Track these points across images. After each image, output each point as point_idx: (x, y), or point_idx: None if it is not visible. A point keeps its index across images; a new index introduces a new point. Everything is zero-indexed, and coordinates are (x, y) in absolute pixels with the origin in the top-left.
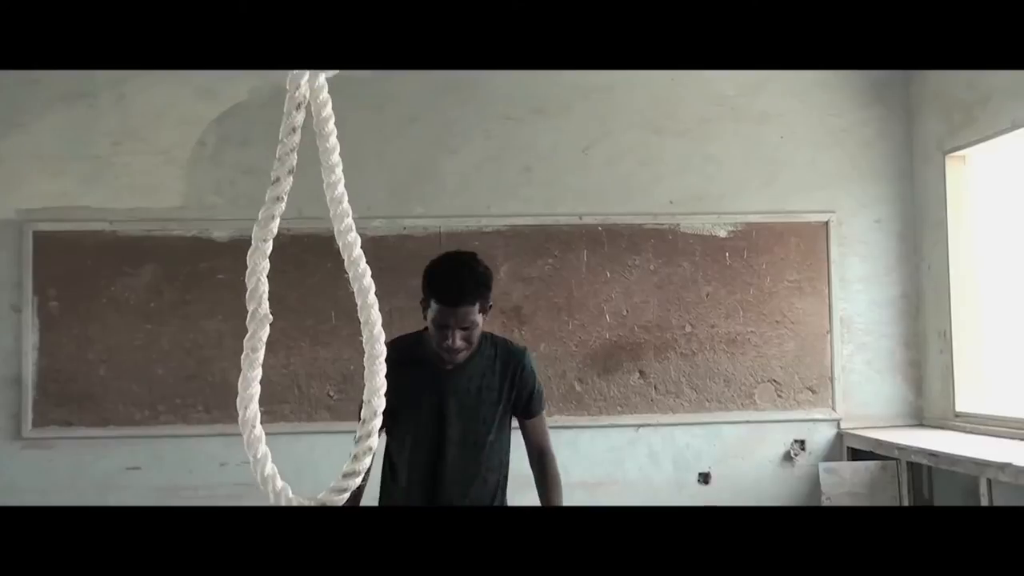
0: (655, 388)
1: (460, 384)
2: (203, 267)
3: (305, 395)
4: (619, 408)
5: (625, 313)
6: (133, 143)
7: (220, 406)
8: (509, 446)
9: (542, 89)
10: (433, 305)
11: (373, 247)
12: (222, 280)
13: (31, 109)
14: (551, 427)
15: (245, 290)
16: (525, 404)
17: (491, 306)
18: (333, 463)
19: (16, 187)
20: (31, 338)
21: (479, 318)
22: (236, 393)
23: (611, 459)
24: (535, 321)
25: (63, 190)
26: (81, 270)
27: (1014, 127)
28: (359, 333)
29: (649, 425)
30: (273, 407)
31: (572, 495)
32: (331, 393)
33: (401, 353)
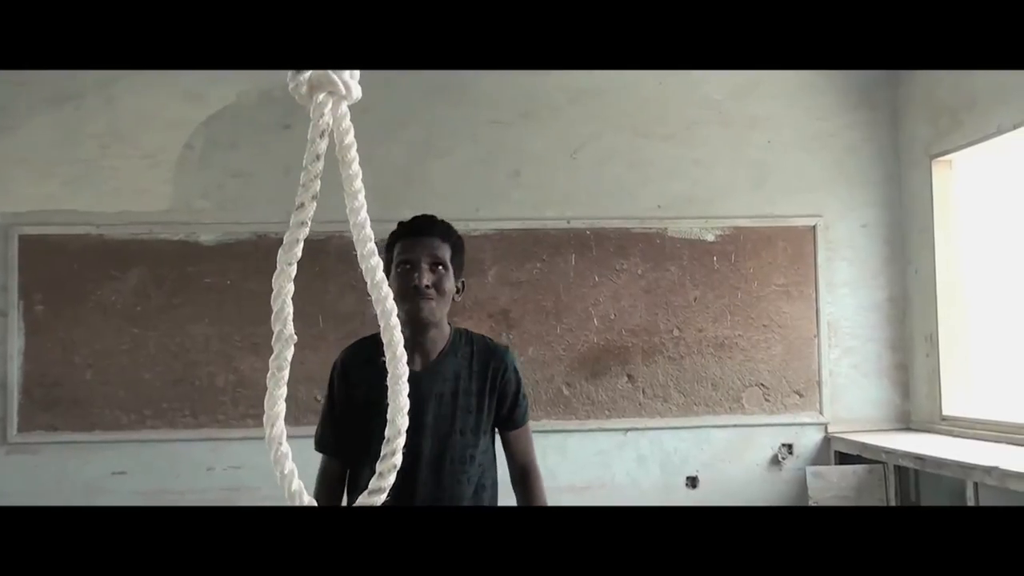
0: (643, 392)
1: (431, 387)
2: (190, 271)
3: (292, 399)
4: (607, 412)
5: (613, 317)
6: (120, 146)
7: (207, 410)
8: (495, 460)
9: (530, 92)
10: (397, 250)
11: None
12: (209, 284)
13: (17, 111)
14: (539, 431)
15: (231, 294)
16: (508, 412)
17: (464, 283)
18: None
19: (2, 190)
20: (16, 342)
21: (450, 266)
22: (223, 396)
23: (599, 463)
24: (523, 325)
25: (49, 193)
26: (67, 274)
27: (1000, 132)
28: (346, 337)
29: (637, 429)
30: (261, 411)
31: (560, 499)
32: (318, 397)
33: (357, 357)
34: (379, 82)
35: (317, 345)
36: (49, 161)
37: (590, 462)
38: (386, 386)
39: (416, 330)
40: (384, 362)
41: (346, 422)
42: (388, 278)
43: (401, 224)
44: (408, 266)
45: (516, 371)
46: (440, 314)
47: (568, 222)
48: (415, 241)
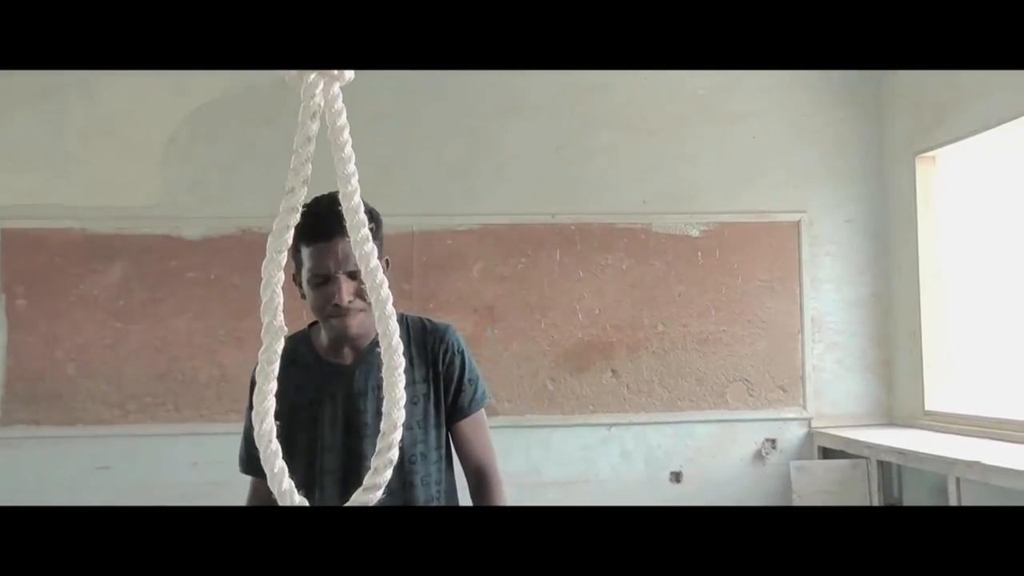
0: (627, 387)
1: (365, 383)
2: (173, 265)
3: None
4: (591, 407)
5: (597, 312)
6: (103, 140)
7: (190, 405)
8: (448, 455)
9: (514, 87)
10: (303, 250)
11: None
12: (192, 278)
13: None
14: (524, 426)
15: (215, 288)
16: (452, 399)
17: (388, 261)
18: None
19: None
20: None
21: None
22: (206, 391)
23: (583, 458)
24: (507, 320)
25: (31, 187)
26: (49, 268)
27: (983, 128)
28: None
29: (621, 424)
30: (244, 406)
31: (544, 494)
32: None
33: (283, 356)
34: (361, 76)
35: None
36: (31, 155)
37: (574, 457)
38: (314, 386)
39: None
40: (310, 361)
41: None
42: (299, 283)
43: (303, 220)
44: (322, 280)
45: (461, 352)
46: (371, 319)
47: (553, 217)
48: (324, 248)
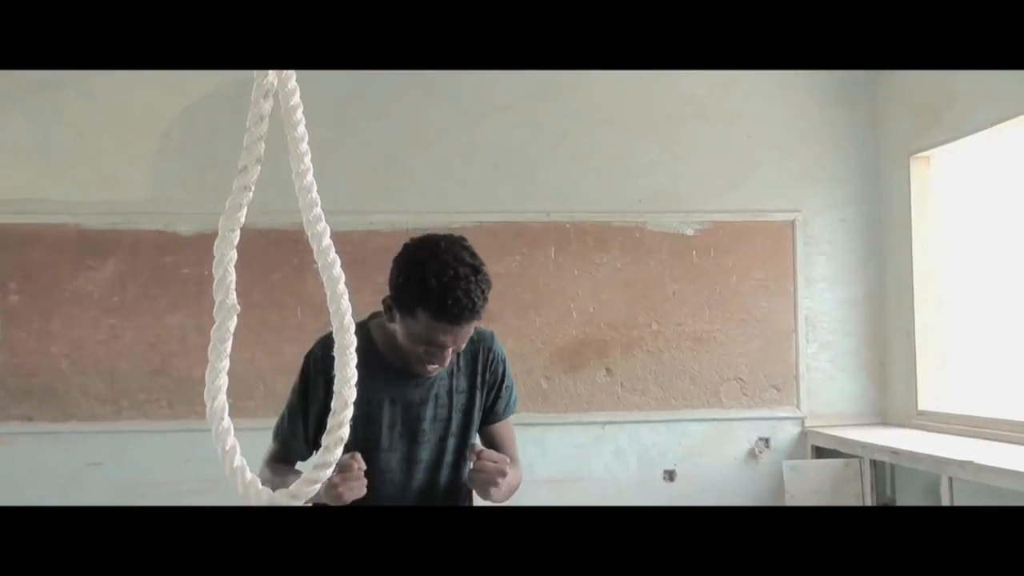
0: (621, 385)
1: (428, 391)
2: (167, 261)
3: (271, 390)
4: (585, 405)
5: (592, 310)
6: (97, 135)
7: (184, 401)
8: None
9: (511, 85)
10: (423, 318)
11: (339, 242)
12: (187, 275)
13: None
14: (518, 424)
15: (210, 285)
16: (493, 403)
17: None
18: None
19: None
20: None
21: None
22: (200, 388)
23: (577, 456)
24: (502, 318)
25: (25, 183)
26: (43, 263)
27: (978, 129)
28: (325, 328)
29: (615, 422)
30: (239, 402)
31: (538, 492)
32: None
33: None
34: (358, 73)
35: (296, 337)
36: (26, 150)
37: (568, 455)
38: (374, 386)
39: None
40: (372, 360)
41: (321, 421)
42: (390, 311)
43: (438, 295)
44: (435, 344)
45: (504, 360)
46: None
47: (548, 215)
48: (454, 329)
